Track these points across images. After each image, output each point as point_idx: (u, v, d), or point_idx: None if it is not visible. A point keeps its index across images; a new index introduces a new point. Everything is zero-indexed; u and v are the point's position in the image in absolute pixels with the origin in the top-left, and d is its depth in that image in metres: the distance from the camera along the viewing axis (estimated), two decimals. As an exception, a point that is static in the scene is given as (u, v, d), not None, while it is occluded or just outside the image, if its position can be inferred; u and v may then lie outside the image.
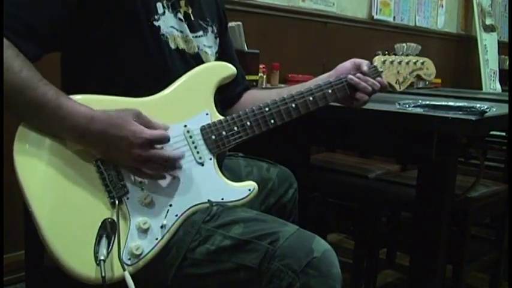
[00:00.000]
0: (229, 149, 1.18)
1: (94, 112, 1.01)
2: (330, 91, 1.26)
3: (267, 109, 1.19)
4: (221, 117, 1.15)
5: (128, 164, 1.03)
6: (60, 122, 0.99)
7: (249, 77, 2.21)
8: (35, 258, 1.21)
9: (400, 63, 1.38)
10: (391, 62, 1.37)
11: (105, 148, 1.02)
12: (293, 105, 1.22)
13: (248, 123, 1.16)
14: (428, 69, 1.42)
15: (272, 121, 1.19)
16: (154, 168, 1.04)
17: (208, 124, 1.13)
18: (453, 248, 1.79)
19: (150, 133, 1.02)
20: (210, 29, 1.31)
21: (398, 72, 1.38)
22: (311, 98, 1.24)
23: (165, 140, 1.04)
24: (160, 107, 1.12)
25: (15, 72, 0.96)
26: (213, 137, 1.13)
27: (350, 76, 1.29)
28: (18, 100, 0.98)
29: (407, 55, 1.41)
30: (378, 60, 1.36)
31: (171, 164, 1.06)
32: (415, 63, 1.40)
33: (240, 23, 2.27)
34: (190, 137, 1.12)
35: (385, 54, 1.38)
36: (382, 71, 1.34)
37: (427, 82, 3.75)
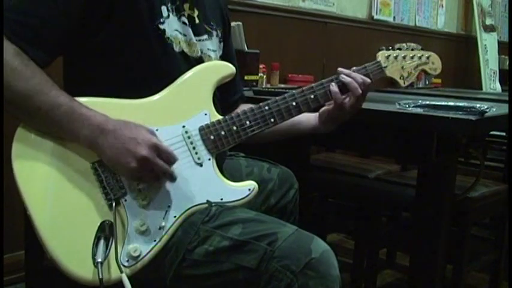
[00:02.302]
0: (229, 148, 1.18)
1: (108, 116, 1.03)
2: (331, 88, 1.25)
3: (266, 108, 1.18)
4: (220, 117, 1.15)
5: (131, 166, 1.00)
6: (73, 124, 1.00)
7: (249, 77, 2.22)
8: (35, 258, 1.21)
9: (404, 58, 1.35)
10: (395, 57, 1.34)
11: (113, 149, 1.01)
12: (293, 104, 1.21)
13: (247, 122, 1.16)
14: (434, 63, 1.39)
15: (272, 120, 1.18)
16: (155, 178, 1.04)
17: (207, 124, 1.13)
18: (453, 248, 1.79)
19: (158, 140, 1.03)
20: (214, 32, 1.31)
21: (402, 67, 1.35)
22: (312, 96, 1.23)
23: (171, 156, 1.04)
24: (159, 108, 1.11)
25: (28, 78, 0.98)
26: (212, 137, 1.13)
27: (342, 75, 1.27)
28: (30, 105, 0.99)
29: (412, 50, 1.39)
30: (381, 55, 1.33)
31: (169, 179, 1.06)
32: (420, 57, 1.37)
33: (240, 23, 2.27)
34: (189, 137, 1.11)
35: (389, 49, 1.35)
36: (385, 66, 1.33)
37: (427, 82, 3.76)
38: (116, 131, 1.01)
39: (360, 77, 1.25)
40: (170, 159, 1.04)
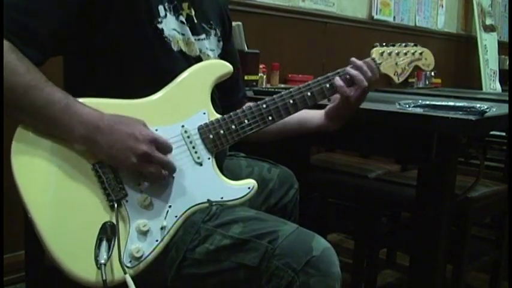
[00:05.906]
0: (229, 148, 1.18)
1: (102, 112, 1.02)
2: (327, 85, 1.26)
3: (264, 106, 1.19)
4: (218, 116, 1.15)
5: (131, 161, 1.01)
6: (69, 121, 1.00)
7: (249, 77, 2.22)
8: (35, 258, 1.21)
9: (398, 54, 1.36)
10: (389, 54, 1.35)
11: (111, 146, 1.01)
12: (291, 101, 1.21)
13: (246, 121, 1.16)
14: (427, 59, 1.41)
15: (270, 118, 1.19)
16: (155, 171, 1.03)
17: (206, 123, 1.13)
18: (453, 248, 1.79)
19: (155, 134, 1.03)
20: (213, 32, 1.31)
21: (396, 63, 1.36)
22: (309, 94, 1.23)
23: (168, 147, 1.05)
24: (158, 108, 1.11)
25: (22, 73, 0.97)
26: (211, 136, 1.13)
27: (347, 68, 1.27)
28: (24, 101, 0.98)
29: (405, 46, 1.40)
30: (375, 52, 1.34)
31: (170, 171, 1.06)
32: (413, 53, 1.38)
33: (240, 23, 2.27)
34: (188, 137, 1.11)
35: (383, 46, 1.37)
36: (380, 63, 1.34)
37: (427, 82, 3.76)
38: (112, 126, 1.01)
39: (366, 68, 1.27)
40: (167, 149, 1.05)
